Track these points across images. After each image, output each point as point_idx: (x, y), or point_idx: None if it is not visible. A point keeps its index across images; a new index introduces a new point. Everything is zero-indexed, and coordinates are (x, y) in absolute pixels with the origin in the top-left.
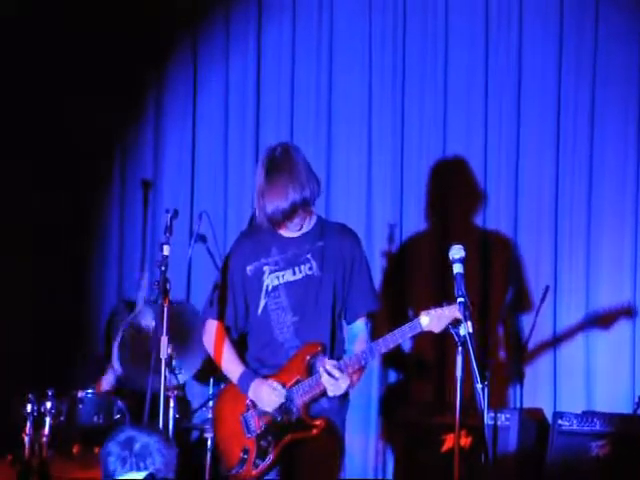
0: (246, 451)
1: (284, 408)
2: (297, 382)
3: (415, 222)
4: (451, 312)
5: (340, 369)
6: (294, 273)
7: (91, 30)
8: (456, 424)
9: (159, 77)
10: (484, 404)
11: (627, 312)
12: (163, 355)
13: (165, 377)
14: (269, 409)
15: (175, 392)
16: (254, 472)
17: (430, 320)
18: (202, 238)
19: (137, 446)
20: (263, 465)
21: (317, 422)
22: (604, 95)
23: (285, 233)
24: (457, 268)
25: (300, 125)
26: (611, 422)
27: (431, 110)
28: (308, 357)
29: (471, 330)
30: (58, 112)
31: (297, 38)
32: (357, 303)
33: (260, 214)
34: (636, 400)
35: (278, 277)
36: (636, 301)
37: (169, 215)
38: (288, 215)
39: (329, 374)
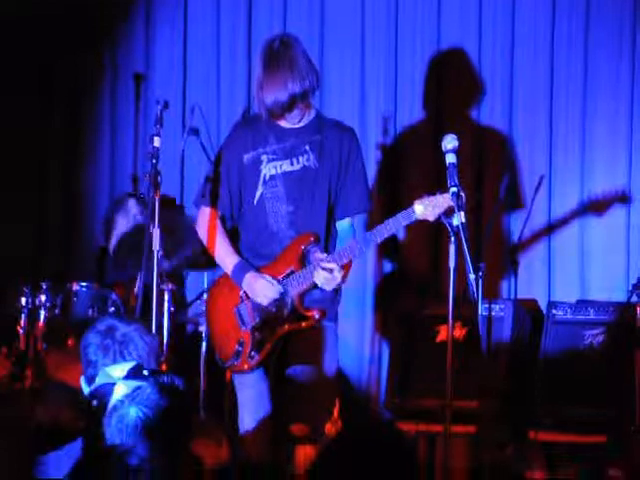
0: (241, 343)
1: (278, 300)
2: (291, 273)
3: (410, 114)
4: (445, 200)
5: (334, 261)
6: (292, 164)
7: None
8: (449, 315)
9: None
10: (477, 295)
11: (621, 198)
12: (155, 247)
13: (158, 269)
14: (264, 303)
15: (170, 285)
16: (250, 363)
17: (424, 208)
18: (195, 131)
19: (118, 334)
20: (258, 357)
21: (311, 312)
22: None
23: (284, 124)
24: (450, 158)
25: (293, 14)
26: (605, 311)
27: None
28: (302, 247)
29: (464, 220)
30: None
31: None
32: (348, 201)
33: (260, 106)
34: (629, 288)
35: (276, 167)
36: (630, 187)
37: (159, 106)
38: (287, 106)
39: (323, 268)
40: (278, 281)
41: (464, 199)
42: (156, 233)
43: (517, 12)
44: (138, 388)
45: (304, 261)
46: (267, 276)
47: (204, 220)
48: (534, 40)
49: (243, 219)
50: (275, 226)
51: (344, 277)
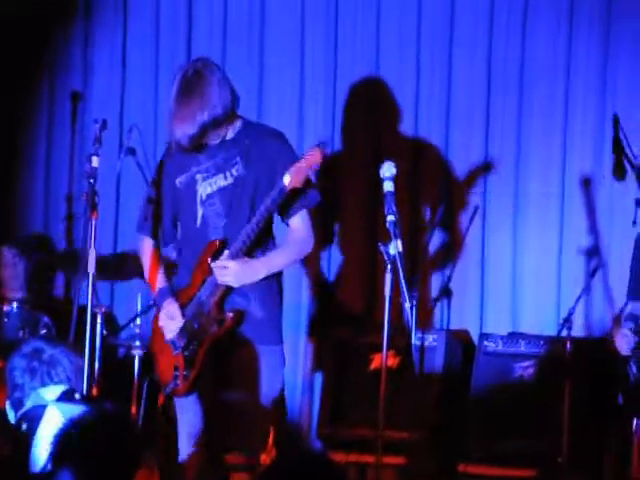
0: (176, 367)
1: (196, 315)
2: (203, 283)
3: (348, 139)
4: (312, 159)
5: (231, 256)
6: (225, 178)
7: None
8: (383, 343)
9: None
10: (412, 324)
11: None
12: (90, 270)
13: (93, 292)
14: (169, 336)
15: (102, 308)
16: (185, 384)
17: (290, 176)
18: (132, 151)
19: (45, 356)
20: (191, 375)
21: (226, 314)
22: None
23: (211, 142)
24: (387, 186)
25: (233, 34)
26: (536, 344)
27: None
28: (210, 255)
29: (400, 249)
30: None
31: None
32: (288, 204)
33: (170, 137)
34: (560, 322)
35: (211, 184)
36: (564, 196)
37: (98, 125)
38: (197, 139)
39: (217, 266)
40: (193, 298)
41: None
42: (92, 255)
43: (455, 30)
44: (71, 413)
45: (211, 269)
46: (170, 307)
47: (143, 248)
48: (470, 70)
49: (185, 239)
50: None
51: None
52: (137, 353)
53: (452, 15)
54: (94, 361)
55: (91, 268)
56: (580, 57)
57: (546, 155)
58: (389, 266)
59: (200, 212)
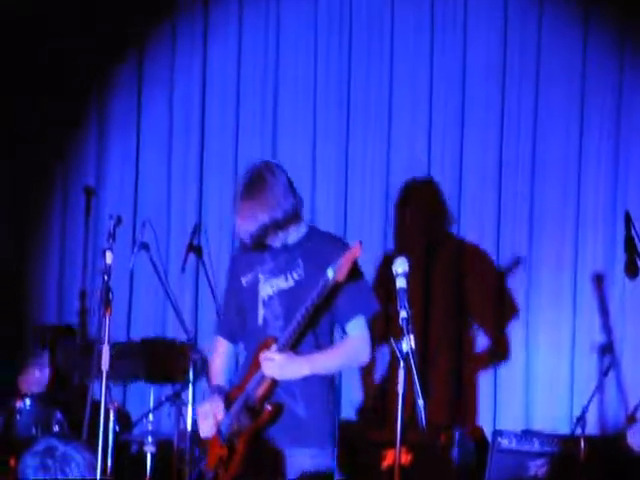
0: (220, 458)
1: (242, 409)
2: (251, 379)
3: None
4: (352, 255)
5: (277, 349)
6: (286, 280)
7: (35, 38)
8: (397, 441)
9: (104, 86)
10: (426, 421)
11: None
12: (104, 366)
13: (106, 388)
14: (202, 434)
15: (115, 404)
16: (225, 477)
17: (333, 270)
18: (145, 246)
19: (58, 453)
20: (230, 467)
21: (265, 406)
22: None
23: (273, 243)
24: (400, 282)
25: (245, 135)
26: (549, 442)
27: (376, 127)
28: (262, 353)
29: (414, 345)
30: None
31: (243, 52)
32: (345, 307)
33: (237, 234)
34: (574, 421)
35: (272, 285)
36: (576, 293)
37: (112, 221)
38: (257, 238)
39: (265, 358)
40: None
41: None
42: (106, 351)
43: (466, 127)
44: None
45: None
46: (210, 406)
47: (214, 346)
48: (482, 155)
49: (248, 337)
50: None
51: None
52: (149, 450)
53: (463, 114)
54: (107, 457)
55: (105, 365)
56: (591, 155)
57: (558, 253)
58: (402, 363)
59: (261, 312)
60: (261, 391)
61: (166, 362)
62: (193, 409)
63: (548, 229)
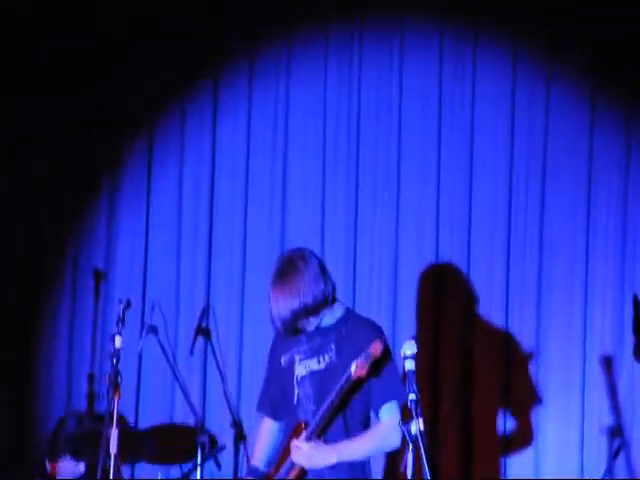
0: None
1: None
2: (284, 462)
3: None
4: (372, 352)
5: (306, 438)
6: (318, 362)
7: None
8: None
9: (113, 168)
10: None
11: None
12: (112, 449)
13: (115, 471)
14: None
15: None
16: None
17: (356, 365)
18: (153, 329)
19: None
20: None
21: None
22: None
23: (306, 327)
24: (409, 365)
25: (254, 219)
26: None
27: (385, 201)
28: (295, 437)
29: (422, 428)
30: (11, 197)
31: (252, 133)
32: (378, 393)
33: (270, 318)
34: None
35: (305, 366)
36: (585, 375)
37: (122, 306)
38: (289, 323)
39: (295, 446)
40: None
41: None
42: (114, 435)
43: (473, 215)
44: None
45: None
46: None
47: (260, 426)
48: (489, 257)
49: (288, 416)
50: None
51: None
52: None
53: (470, 193)
54: None
55: (113, 447)
56: (599, 237)
57: (566, 334)
58: (410, 445)
59: (296, 392)
60: (292, 477)
61: (174, 444)
62: None
63: (556, 311)
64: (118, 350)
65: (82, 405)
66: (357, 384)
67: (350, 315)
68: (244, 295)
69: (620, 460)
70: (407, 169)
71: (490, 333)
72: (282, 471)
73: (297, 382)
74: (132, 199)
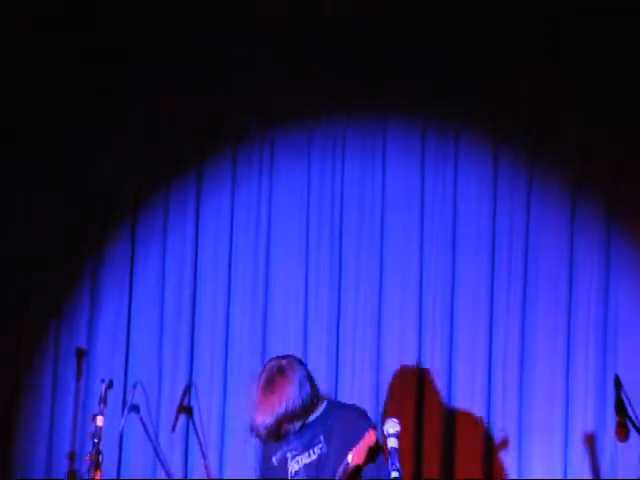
0: None
1: None
2: None
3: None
4: (365, 442)
5: None
6: (309, 455)
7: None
8: None
9: (97, 247)
10: None
11: None
12: None
13: None
14: None
15: None
16: None
17: (352, 455)
18: (135, 408)
19: None
20: None
21: None
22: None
23: (290, 430)
24: (392, 442)
25: (236, 300)
26: None
27: (367, 295)
28: None
29: None
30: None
31: (235, 222)
32: (369, 475)
33: (251, 425)
34: None
35: (298, 462)
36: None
37: (104, 385)
38: (274, 429)
39: None
40: None
41: None
42: None
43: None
44: None
45: None
46: None
47: None
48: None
49: None
50: None
51: None
52: None
53: (453, 279)
54: None
55: None
56: (580, 321)
57: (549, 416)
58: None
59: None
60: None
61: None
62: None
63: (538, 389)
64: (100, 429)
65: None
66: (355, 472)
67: (333, 405)
68: (226, 373)
69: None
70: (389, 264)
71: (472, 424)
72: None
73: (291, 477)
74: (115, 277)
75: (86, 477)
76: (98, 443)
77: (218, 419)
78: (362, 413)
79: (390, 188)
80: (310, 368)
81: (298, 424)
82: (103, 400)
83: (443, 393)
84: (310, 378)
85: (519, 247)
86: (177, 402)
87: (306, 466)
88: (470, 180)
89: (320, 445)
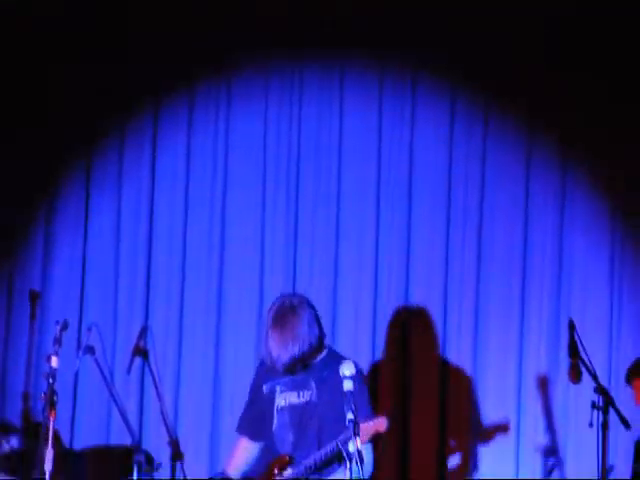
0: None
1: None
2: None
3: None
4: (376, 425)
5: (292, 476)
6: (298, 396)
7: None
8: None
9: (50, 189)
10: None
11: (503, 429)
12: (47, 468)
13: None
14: None
15: None
16: None
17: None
18: (90, 349)
19: None
20: None
21: None
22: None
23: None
24: (347, 385)
25: (193, 242)
26: None
27: (323, 236)
28: (277, 468)
29: (360, 446)
30: None
31: (192, 163)
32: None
33: (266, 355)
34: None
35: (285, 398)
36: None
37: (58, 327)
38: (288, 365)
39: None
40: None
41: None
42: (49, 454)
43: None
44: None
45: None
46: None
47: (235, 444)
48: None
49: (265, 439)
50: (281, 452)
51: None
52: None
53: (409, 234)
54: None
55: (48, 467)
56: (536, 261)
57: (503, 357)
58: (348, 464)
59: (275, 420)
60: None
61: (111, 464)
62: None
63: (493, 332)
64: (54, 370)
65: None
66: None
67: (333, 356)
68: (182, 315)
69: (554, 478)
70: (346, 208)
71: (427, 359)
72: None
73: (277, 411)
74: (69, 220)
75: (41, 416)
76: (53, 383)
77: (174, 362)
78: (360, 373)
79: (347, 133)
80: (266, 306)
81: (301, 364)
82: (58, 341)
83: (398, 336)
84: (318, 321)
85: (475, 192)
86: (132, 345)
87: (292, 406)
88: (427, 126)
89: (310, 392)
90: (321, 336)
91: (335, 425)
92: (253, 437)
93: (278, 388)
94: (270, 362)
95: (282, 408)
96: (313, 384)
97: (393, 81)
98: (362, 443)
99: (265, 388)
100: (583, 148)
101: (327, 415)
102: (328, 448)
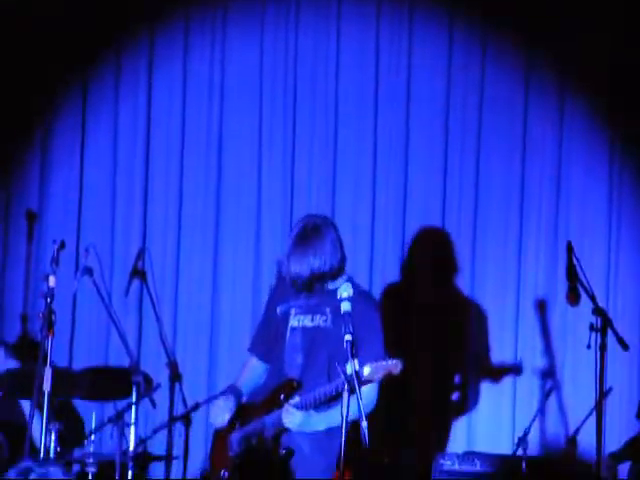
0: (225, 469)
1: (256, 432)
2: (271, 412)
3: None
4: (390, 366)
5: (300, 406)
6: (312, 320)
7: None
8: (341, 461)
9: (47, 113)
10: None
11: (514, 370)
12: (46, 388)
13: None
14: (212, 421)
15: (57, 425)
16: None
17: (369, 370)
18: (88, 271)
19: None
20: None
21: (280, 451)
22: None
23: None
24: (345, 306)
25: (190, 163)
26: (491, 462)
27: (321, 167)
28: (285, 393)
29: (358, 368)
30: None
31: (188, 90)
32: (361, 355)
33: (286, 273)
34: (515, 441)
35: (299, 320)
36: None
37: (56, 246)
38: (307, 283)
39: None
40: (260, 417)
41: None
42: (48, 373)
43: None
44: None
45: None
46: (221, 401)
47: (247, 363)
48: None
49: (276, 359)
50: (290, 375)
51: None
52: (90, 470)
53: (406, 157)
54: None
55: (47, 386)
56: (534, 185)
57: (501, 278)
58: (346, 385)
59: (287, 341)
60: (278, 429)
61: (109, 384)
62: (135, 430)
63: (491, 258)
64: (52, 289)
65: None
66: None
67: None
68: (180, 237)
69: (551, 401)
70: (343, 134)
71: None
72: (269, 419)
73: (289, 332)
74: (66, 139)
75: (39, 336)
76: (50, 302)
77: (172, 283)
78: (375, 304)
79: (344, 62)
80: (263, 228)
81: (320, 282)
82: (55, 260)
83: (396, 253)
84: (341, 244)
85: (473, 120)
86: (130, 266)
87: (304, 329)
88: (424, 52)
89: (325, 318)
90: (343, 260)
91: (346, 355)
92: (263, 357)
93: (293, 310)
94: (289, 279)
95: (294, 329)
96: (328, 310)
97: (391, 5)
98: (373, 382)
99: (279, 309)
100: (582, 77)
101: (339, 345)
102: (339, 382)
